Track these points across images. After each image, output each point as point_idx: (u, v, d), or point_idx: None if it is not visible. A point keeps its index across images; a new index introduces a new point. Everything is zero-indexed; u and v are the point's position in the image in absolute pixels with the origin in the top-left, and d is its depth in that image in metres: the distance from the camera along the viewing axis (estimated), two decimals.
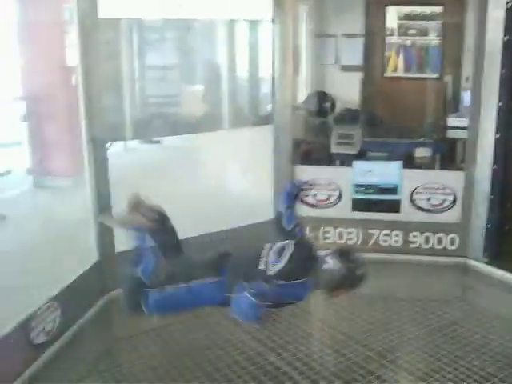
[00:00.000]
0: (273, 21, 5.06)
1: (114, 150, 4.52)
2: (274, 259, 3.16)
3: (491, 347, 3.79)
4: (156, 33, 7.35)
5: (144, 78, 7.05)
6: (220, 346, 3.77)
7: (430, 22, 6.71)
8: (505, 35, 4.70)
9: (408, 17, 6.79)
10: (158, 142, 6.42)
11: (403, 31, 6.75)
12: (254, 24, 5.73)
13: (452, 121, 5.75)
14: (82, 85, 4.08)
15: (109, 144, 4.33)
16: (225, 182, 5.23)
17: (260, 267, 3.13)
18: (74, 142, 4.73)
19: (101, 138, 4.23)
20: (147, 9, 4.49)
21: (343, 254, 3.09)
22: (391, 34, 6.71)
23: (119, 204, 4.33)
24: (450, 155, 5.78)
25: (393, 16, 6.81)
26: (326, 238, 5.24)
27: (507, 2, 4.62)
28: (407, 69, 6.70)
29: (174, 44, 6.98)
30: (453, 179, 5.20)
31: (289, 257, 3.15)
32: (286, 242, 3.29)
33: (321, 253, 3.20)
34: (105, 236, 4.36)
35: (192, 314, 4.15)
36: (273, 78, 5.20)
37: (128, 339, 3.92)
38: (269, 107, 5.35)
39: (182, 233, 4.67)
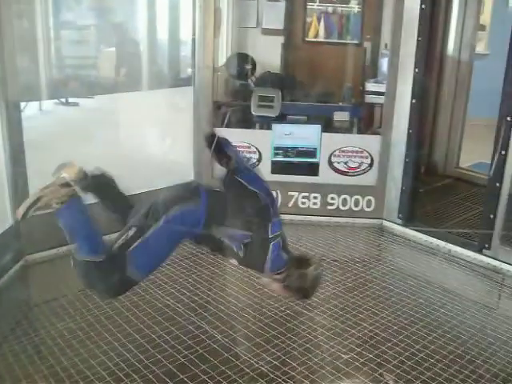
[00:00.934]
0: None
1: (29, 112, 4.37)
2: None
3: (404, 303, 3.97)
4: None
5: (60, 38, 6.80)
6: (142, 309, 3.75)
7: None
8: (421, 4, 4.81)
9: None
10: (76, 104, 6.25)
11: None
12: None
13: (370, 86, 5.86)
14: None
15: (23, 105, 4.19)
16: (144, 144, 5.16)
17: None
18: None
19: (14, 98, 4.07)
20: None
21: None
22: (313, 1, 6.74)
23: (33, 167, 4.23)
24: (367, 119, 5.90)
25: None
26: None
27: None
28: (328, 35, 6.75)
29: (91, 3, 6.75)
30: (370, 143, 5.33)
31: None
32: None
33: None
34: (20, 199, 4.23)
35: None
36: (193, 40, 5.14)
37: (46, 304, 3.85)
38: (189, 69, 5.30)
39: None
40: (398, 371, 3.20)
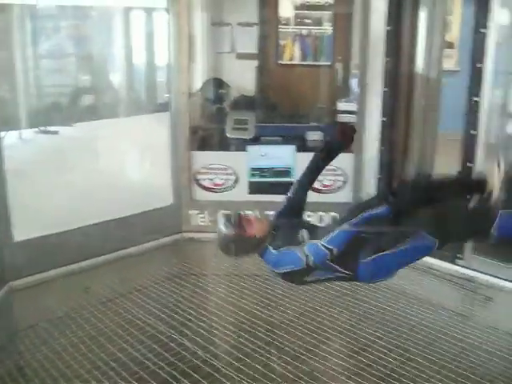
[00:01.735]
0: (167, 9, 5.12)
1: (10, 140, 4.46)
2: None
3: (410, 326, 3.95)
4: (51, 21, 7.21)
5: (39, 68, 6.91)
6: (125, 329, 3.84)
7: (323, 12, 6.98)
8: (387, 25, 4.99)
9: (302, 7, 7.03)
10: (56, 132, 6.35)
11: (298, 21, 6.97)
12: (149, 12, 5.77)
13: (342, 105, 6.03)
14: None
15: (2, 134, 4.29)
16: (123, 170, 5.27)
17: None
18: None
19: None
20: None
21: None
22: (286, 24, 6.91)
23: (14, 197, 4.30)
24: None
25: (287, 6, 7.04)
26: None
27: None
28: (303, 57, 6.92)
29: (69, 32, 6.87)
30: (343, 161, 5.44)
31: None
32: None
33: None
34: (1, 226, 4.32)
35: (98, 301, 4.22)
36: (169, 66, 5.27)
37: (31, 328, 3.90)
38: (166, 95, 5.43)
39: (79, 222, 4.74)
40: None
